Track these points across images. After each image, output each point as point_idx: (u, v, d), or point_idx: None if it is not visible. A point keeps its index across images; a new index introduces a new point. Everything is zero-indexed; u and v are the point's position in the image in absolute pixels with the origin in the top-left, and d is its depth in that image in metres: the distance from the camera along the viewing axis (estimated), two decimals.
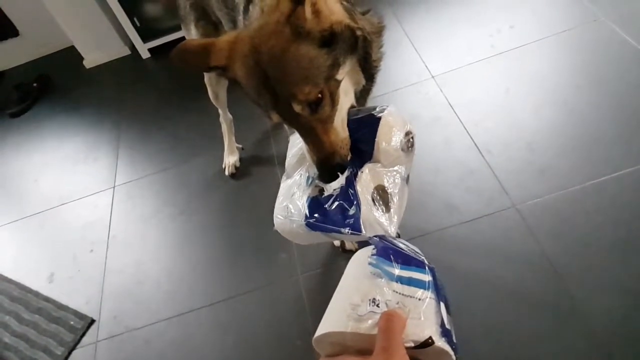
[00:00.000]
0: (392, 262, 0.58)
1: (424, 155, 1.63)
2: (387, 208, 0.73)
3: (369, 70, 0.91)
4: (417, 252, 0.63)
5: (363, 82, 0.92)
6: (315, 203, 0.75)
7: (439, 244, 1.42)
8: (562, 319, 1.20)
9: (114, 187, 2.02)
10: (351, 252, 1.22)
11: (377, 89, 1.03)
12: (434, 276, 0.59)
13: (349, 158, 0.80)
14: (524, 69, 1.82)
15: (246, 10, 0.93)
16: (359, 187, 0.74)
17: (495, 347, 1.21)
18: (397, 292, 0.55)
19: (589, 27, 1.87)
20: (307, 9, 0.73)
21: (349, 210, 0.71)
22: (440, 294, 0.57)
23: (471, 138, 1.65)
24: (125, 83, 2.61)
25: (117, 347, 1.51)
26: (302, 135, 0.82)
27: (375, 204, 0.72)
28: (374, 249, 0.62)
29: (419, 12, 2.22)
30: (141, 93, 2.51)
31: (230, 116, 1.86)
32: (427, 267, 0.59)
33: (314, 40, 0.74)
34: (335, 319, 0.55)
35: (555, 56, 1.84)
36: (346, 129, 0.82)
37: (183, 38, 1.55)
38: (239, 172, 1.87)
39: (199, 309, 1.52)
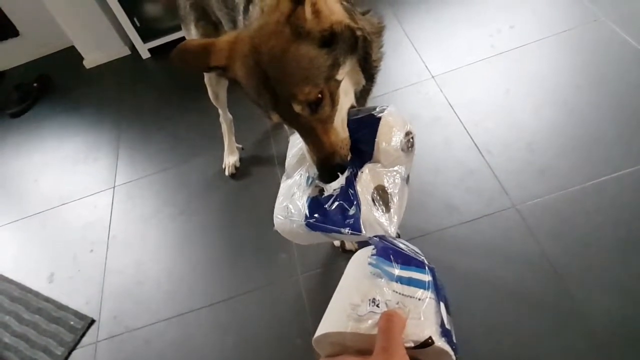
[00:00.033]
0: (392, 262, 0.58)
1: (424, 156, 1.63)
2: (387, 208, 0.73)
3: (369, 70, 0.91)
4: (417, 252, 0.63)
5: (363, 82, 0.92)
6: (315, 203, 0.75)
7: (439, 244, 1.42)
8: (562, 319, 1.20)
9: (114, 187, 2.02)
10: (351, 252, 1.21)
11: (377, 89, 1.03)
12: (433, 276, 0.59)
13: (349, 158, 0.80)
14: (524, 69, 1.82)
15: (246, 10, 0.93)
16: (359, 187, 0.74)
17: (495, 347, 1.21)
18: (397, 292, 0.55)
19: (589, 27, 1.87)
20: (307, 9, 0.73)
21: (349, 211, 0.71)
22: (440, 294, 0.57)
23: (471, 138, 1.65)
24: (125, 83, 2.61)
25: (117, 347, 1.51)
26: (302, 135, 0.82)
27: (375, 204, 0.73)
28: (373, 249, 0.62)
29: (419, 12, 2.22)
30: (141, 93, 2.51)
31: (230, 116, 1.86)
32: (427, 267, 0.59)
33: (314, 41, 0.74)
34: (335, 319, 0.55)
35: (555, 56, 1.84)
36: (346, 129, 0.82)
37: (183, 38, 1.55)
38: (239, 172, 1.87)
39: (199, 309, 1.52)
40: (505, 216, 1.43)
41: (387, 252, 0.60)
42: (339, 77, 0.79)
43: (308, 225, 0.74)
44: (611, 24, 1.83)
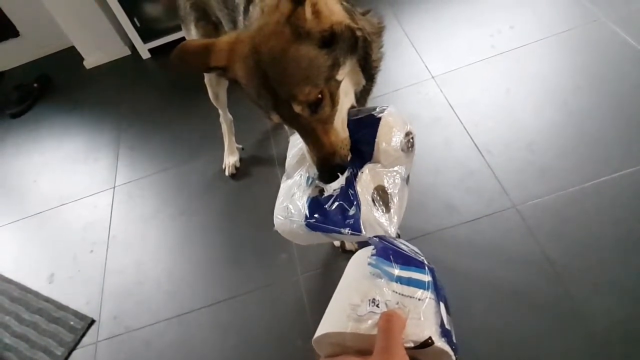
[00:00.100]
0: (391, 262, 0.58)
1: (424, 156, 1.63)
2: (387, 208, 0.73)
3: (369, 70, 0.91)
4: (417, 253, 0.63)
5: (363, 82, 0.92)
6: (315, 203, 0.75)
7: (439, 244, 1.42)
8: (562, 319, 1.20)
9: (114, 188, 2.02)
10: (351, 253, 1.21)
11: (377, 90, 1.03)
12: (433, 276, 0.59)
13: (349, 158, 0.80)
14: (524, 70, 1.82)
15: (246, 10, 0.93)
16: (359, 188, 0.74)
17: (495, 347, 1.21)
18: (396, 293, 0.55)
19: (589, 27, 1.87)
20: (307, 10, 0.73)
21: (349, 211, 0.71)
22: (440, 294, 0.57)
23: (471, 138, 1.65)
24: (125, 83, 2.61)
25: (117, 348, 1.51)
26: (302, 135, 0.82)
27: (375, 205, 0.73)
28: (373, 249, 0.62)
29: (419, 13, 2.22)
30: (141, 93, 2.51)
31: (230, 116, 1.86)
32: (426, 268, 0.59)
33: (314, 41, 0.74)
34: (335, 320, 0.55)
35: (555, 56, 1.84)
36: (346, 129, 0.82)
37: (183, 38, 1.54)
38: (239, 173, 1.87)
39: (199, 309, 1.52)
40: (506, 216, 1.43)
41: (387, 252, 0.60)
42: (339, 77, 0.79)
43: (308, 225, 0.74)
44: (611, 25, 1.83)
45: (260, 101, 0.80)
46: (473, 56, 1.91)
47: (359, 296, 0.55)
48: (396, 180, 0.76)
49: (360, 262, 0.61)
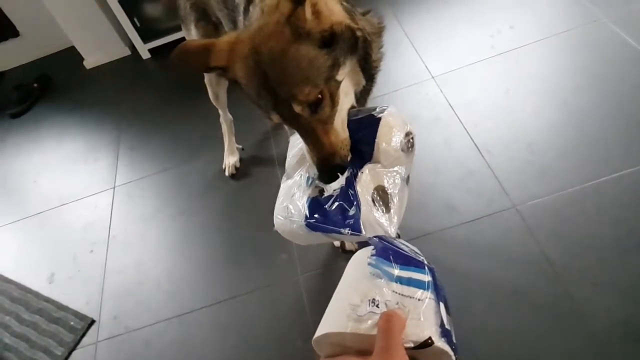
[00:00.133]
0: (391, 262, 0.58)
1: (424, 156, 1.63)
2: (387, 209, 0.73)
3: (369, 70, 0.91)
4: (417, 253, 0.63)
5: (363, 82, 0.92)
6: (315, 203, 0.75)
7: (439, 244, 1.42)
8: (562, 319, 1.20)
9: (114, 188, 2.02)
10: (351, 253, 1.21)
11: (377, 90, 1.03)
12: (433, 276, 0.59)
13: (349, 159, 0.80)
14: (524, 70, 1.82)
15: (246, 10, 0.93)
16: (359, 188, 0.74)
17: (495, 348, 1.21)
18: (396, 293, 0.55)
19: (589, 27, 1.87)
20: (307, 10, 0.73)
21: (349, 211, 0.71)
22: (440, 295, 0.57)
23: (471, 138, 1.65)
24: (125, 83, 2.61)
25: (117, 348, 1.51)
26: (302, 135, 0.82)
27: (375, 205, 0.73)
28: (373, 249, 0.62)
29: (419, 13, 2.22)
30: (141, 93, 2.51)
31: (230, 117, 1.86)
32: (426, 268, 0.59)
33: (314, 41, 0.74)
34: (335, 320, 0.55)
35: (555, 57, 1.84)
36: (346, 129, 0.82)
37: (183, 38, 1.55)
38: (239, 173, 1.87)
39: (199, 309, 1.52)
40: (506, 217, 1.43)
41: (387, 252, 0.60)
42: (339, 77, 0.79)
43: (308, 225, 0.74)
44: (611, 25, 1.83)
45: (260, 101, 0.80)
46: (473, 56, 1.91)
47: (358, 296, 0.55)
48: (396, 181, 0.76)
49: (360, 262, 0.61)
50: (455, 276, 1.30)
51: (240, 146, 1.93)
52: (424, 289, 0.56)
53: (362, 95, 0.98)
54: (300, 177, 0.83)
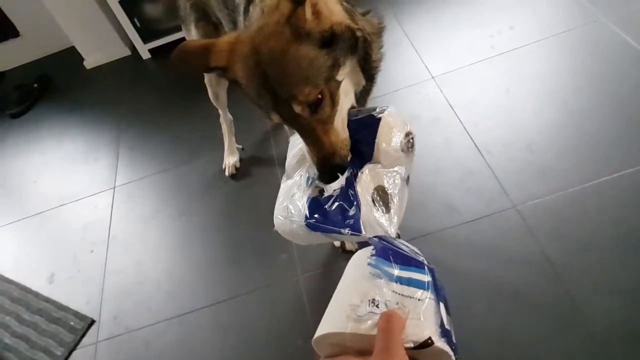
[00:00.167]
0: (391, 262, 0.58)
1: (424, 156, 1.63)
2: (387, 209, 0.73)
3: (369, 70, 0.91)
4: (417, 253, 0.63)
5: (363, 82, 0.92)
6: (315, 204, 0.75)
7: (439, 244, 1.42)
8: (562, 320, 1.20)
9: (114, 188, 2.02)
10: (351, 253, 1.21)
11: (377, 90, 1.03)
12: (433, 277, 0.59)
13: (349, 159, 0.80)
14: (524, 70, 1.82)
15: (246, 11, 0.93)
16: (359, 188, 0.74)
17: (495, 348, 1.21)
18: (396, 293, 0.55)
19: (589, 28, 1.87)
20: (307, 10, 0.73)
21: (349, 211, 0.71)
22: (440, 295, 0.57)
23: (471, 139, 1.65)
24: (125, 84, 2.61)
25: (117, 348, 1.51)
26: (302, 135, 0.82)
27: (375, 205, 0.73)
28: (373, 249, 0.62)
29: (419, 13, 2.22)
30: (141, 93, 2.51)
31: (230, 117, 1.86)
32: (426, 268, 0.59)
33: (314, 41, 0.74)
34: (335, 320, 0.55)
35: (555, 57, 1.84)
36: (346, 129, 0.82)
37: (183, 39, 1.55)
38: (239, 173, 1.87)
39: (199, 309, 1.52)
40: (506, 217, 1.43)
41: (387, 252, 0.60)
42: (339, 77, 0.79)
43: (308, 225, 0.74)
44: (611, 25, 1.83)
45: (260, 101, 0.80)
46: (473, 56, 1.91)
47: (358, 296, 0.55)
48: (396, 181, 0.76)
49: (360, 263, 0.61)
50: (455, 276, 1.30)
51: (240, 146, 1.93)
52: (424, 289, 0.56)
53: (362, 96, 0.98)
54: (300, 177, 0.83)
